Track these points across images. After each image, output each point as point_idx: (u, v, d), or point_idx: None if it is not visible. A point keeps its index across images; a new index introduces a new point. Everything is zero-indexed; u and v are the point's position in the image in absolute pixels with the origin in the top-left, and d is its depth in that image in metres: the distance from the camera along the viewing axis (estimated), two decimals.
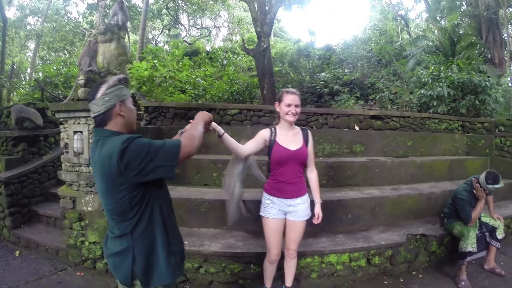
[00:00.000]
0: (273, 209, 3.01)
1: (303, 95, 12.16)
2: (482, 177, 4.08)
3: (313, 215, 3.12)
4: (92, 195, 4.28)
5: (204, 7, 24.17)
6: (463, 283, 3.88)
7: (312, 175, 3.19)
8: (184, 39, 25.74)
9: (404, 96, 9.80)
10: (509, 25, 18.19)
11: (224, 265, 3.76)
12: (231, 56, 18.23)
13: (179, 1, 23.01)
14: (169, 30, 27.71)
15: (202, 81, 11.99)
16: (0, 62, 14.66)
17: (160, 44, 26.06)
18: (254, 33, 12.96)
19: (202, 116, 2.06)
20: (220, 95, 11.29)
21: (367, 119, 7.25)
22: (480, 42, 14.72)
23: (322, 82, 12.43)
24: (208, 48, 25.23)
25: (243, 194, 2.92)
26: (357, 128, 7.09)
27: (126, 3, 8.60)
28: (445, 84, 8.61)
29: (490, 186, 3.98)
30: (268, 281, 3.31)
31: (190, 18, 32.11)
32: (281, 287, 3.41)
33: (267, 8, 10.44)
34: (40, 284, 3.97)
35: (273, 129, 3.02)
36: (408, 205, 5.10)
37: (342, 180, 5.55)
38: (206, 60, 17.10)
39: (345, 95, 11.36)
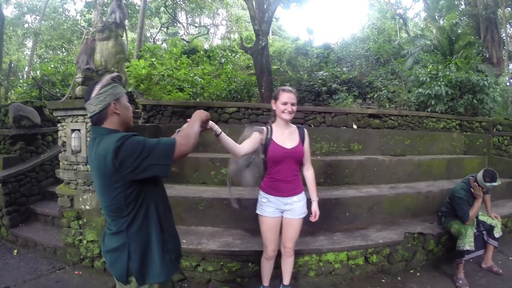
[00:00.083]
0: (269, 208, 3.01)
1: (301, 94, 12.16)
2: (480, 175, 4.09)
3: (310, 213, 3.12)
4: (90, 194, 4.27)
5: (202, 5, 24.17)
6: (460, 282, 3.88)
7: (309, 173, 3.19)
8: (182, 37, 25.70)
9: (402, 95, 9.81)
10: (508, 25, 18.25)
11: (222, 263, 3.76)
12: (229, 54, 18.19)
13: None
14: (167, 28, 27.64)
15: (200, 80, 11.98)
16: None
17: (158, 42, 26.00)
18: (252, 32, 12.92)
19: (199, 115, 2.07)
20: (218, 93, 11.27)
21: (365, 118, 7.25)
22: (479, 41, 14.75)
23: (320, 81, 12.43)
24: (206, 46, 25.19)
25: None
26: (355, 126, 7.09)
27: (124, 1, 8.58)
28: (443, 83, 8.62)
29: (488, 184, 3.99)
30: (266, 279, 3.32)
31: (188, 16, 32.08)
32: (279, 285, 3.40)
33: (265, 6, 10.41)
34: (38, 283, 3.96)
35: (269, 127, 3.02)
36: (406, 203, 5.11)
37: (340, 179, 5.56)
38: (204, 58, 17.06)
39: (343, 93, 11.36)
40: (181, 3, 24.42)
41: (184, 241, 3.84)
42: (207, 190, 4.74)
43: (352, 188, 5.34)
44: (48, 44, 22.71)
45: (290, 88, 2.97)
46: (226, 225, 4.37)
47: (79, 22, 23.09)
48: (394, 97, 10.41)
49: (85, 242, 4.26)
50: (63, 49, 23.11)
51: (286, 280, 3.30)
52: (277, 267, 3.38)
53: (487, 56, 14.60)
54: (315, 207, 3.12)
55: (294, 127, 3.10)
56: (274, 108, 3.00)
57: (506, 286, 3.94)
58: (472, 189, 4.15)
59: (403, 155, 6.62)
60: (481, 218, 4.33)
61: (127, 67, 9.65)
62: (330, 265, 3.95)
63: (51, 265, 4.41)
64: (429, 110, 8.66)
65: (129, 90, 8.76)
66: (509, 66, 15.93)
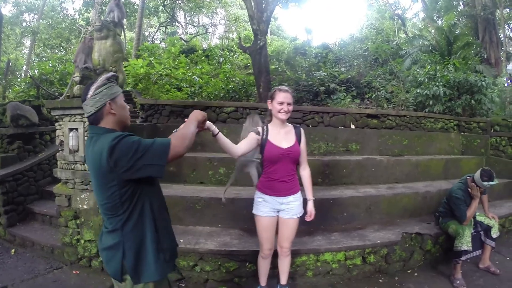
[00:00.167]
0: (265, 207, 3.01)
1: (299, 94, 12.17)
2: (477, 174, 4.09)
3: (305, 212, 3.12)
4: (88, 193, 4.26)
5: (201, 4, 24.14)
6: (458, 282, 3.89)
7: (305, 172, 3.18)
8: (180, 36, 25.69)
9: (400, 95, 9.82)
10: (506, 26, 18.28)
11: (219, 263, 3.76)
12: (228, 54, 18.18)
13: None
14: (166, 27, 27.60)
15: (198, 79, 11.96)
16: None
17: (157, 42, 25.98)
18: (251, 31, 12.91)
19: (196, 115, 2.07)
20: (216, 93, 11.26)
21: (363, 118, 7.26)
22: (477, 42, 14.75)
23: (319, 81, 12.43)
24: (204, 45, 25.16)
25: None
26: (353, 126, 7.09)
27: (122, 0, 8.59)
28: (441, 83, 8.63)
29: (485, 183, 4.00)
30: (263, 279, 3.32)
31: (186, 16, 32.10)
32: (276, 285, 3.40)
33: (264, 6, 10.42)
34: (36, 282, 3.95)
35: (265, 127, 3.02)
36: (404, 204, 5.11)
37: (337, 179, 5.56)
38: (203, 57, 17.05)
39: (341, 93, 11.36)
40: (180, 2, 24.40)
41: (182, 240, 3.84)
42: (205, 190, 4.74)
43: (350, 188, 5.35)
44: (46, 43, 22.67)
45: (286, 88, 2.96)
46: (223, 225, 4.38)
47: (77, 21, 23.08)
48: (392, 97, 10.42)
49: (82, 241, 4.26)
50: (61, 48, 23.08)
51: (283, 280, 3.30)
52: (275, 267, 3.38)
53: (485, 56, 14.61)
54: (310, 206, 3.12)
55: (290, 126, 3.10)
56: (270, 107, 3.01)
57: (503, 286, 3.94)
58: (469, 189, 4.15)
59: (401, 155, 6.63)
60: (478, 218, 4.34)
61: (125, 66, 9.64)
62: (327, 265, 3.96)
63: (48, 264, 4.40)
64: (427, 110, 8.67)
65: (127, 89, 8.75)
66: (507, 67, 15.95)
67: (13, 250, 4.86)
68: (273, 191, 2.98)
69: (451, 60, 10.42)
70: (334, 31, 73.55)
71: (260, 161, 3.11)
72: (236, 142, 2.89)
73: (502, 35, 17.03)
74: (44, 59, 21.79)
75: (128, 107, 2.05)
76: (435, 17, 19.94)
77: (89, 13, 21.16)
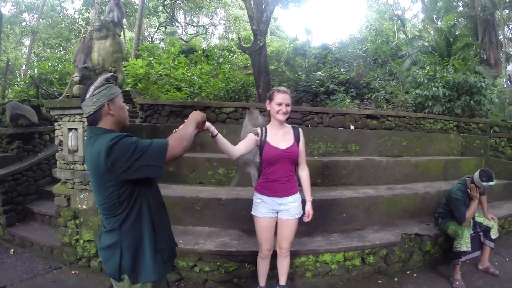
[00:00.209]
0: (264, 208, 3.01)
1: (299, 94, 12.16)
2: (476, 175, 4.09)
3: (304, 213, 3.12)
4: (87, 193, 4.26)
5: (201, 4, 24.14)
6: (457, 283, 3.89)
7: (304, 173, 3.18)
8: (180, 36, 25.69)
9: (399, 96, 9.81)
10: (505, 27, 18.30)
11: (218, 263, 3.76)
12: (227, 54, 18.20)
13: None
14: (165, 27, 27.60)
15: (197, 79, 11.98)
16: None
17: (156, 42, 25.98)
18: (251, 31, 12.91)
19: (195, 116, 2.09)
20: (215, 93, 11.25)
21: (363, 119, 7.26)
22: (476, 43, 14.76)
23: (318, 81, 12.41)
24: (204, 46, 25.16)
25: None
26: (352, 127, 7.09)
27: (122, 0, 8.59)
28: (440, 84, 8.63)
29: (484, 183, 4.00)
30: (262, 279, 3.31)
31: (186, 16, 32.09)
32: (275, 286, 3.40)
33: (263, 6, 10.40)
34: (35, 282, 3.95)
35: (263, 128, 3.02)
36: (403, 204, 5.12)
37: (337, 179, 5.56)
38: (202, 58, 17.07)
39: (341, 94, 11.34)
40: (180, 2, 24.40)
41: (181, 241, 3.84)
42: (204, 190, 4.73)
43: (349, 189, 5.35)
44: (45, 43, 22.67)
45: (285, 89, 2.96)
46: (223, 225, 4.37)
47: (77, 21, 23.09)
48: (391, 98, 10.41)
49: (81, 241, 4.26)
50: (61, 47, 23.06)
51: (283, 280, 3.30)
52: (274, 267, 3.39)
53: (485, 57, 14.61)
54: (308, 207, 3.11)
55: (289, 127, 3.10)
56: (268, 108, 3.00)
57: (502, 287, 3.95)
58: (469, 190, 4.16)
59: (400, 156, 6.63)
60: (477, 219, 4.35)
61: (124, 66, 9.64)
62: (326, 265, 3.95)
63: (47, 264, 4.40)
64: (426, 111, 8.67)
65: (127, 89, 8.76)
66: (506, 68, 15.96)
67: (12, 250, 4.86)
68: (271, 192, 2.98)
69: (451, 61, 10.43)
70: (334, 32, 73.76)
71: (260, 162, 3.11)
72: (235, 143, 2.90)
73: (501, 36, 17.04)
74: (43, 58, 21.80)
75: (127, 107, 2.06)
76: (434, 18, 19.97)
77: (88, 13, 21.17)
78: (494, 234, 4.26)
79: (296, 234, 3.18)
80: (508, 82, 14.17)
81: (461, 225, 4.06)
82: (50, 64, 12.66)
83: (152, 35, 28.66)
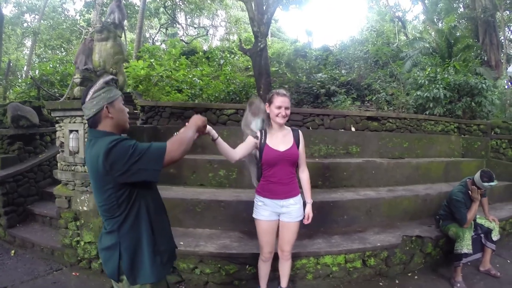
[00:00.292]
0: (265, 211, 3.00)
1: (300, 96, 12.17)
2: (477, 176, 4.09)
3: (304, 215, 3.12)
4: (88, 195, 4.26)
5: (202, 6, 24.18)
6: (458, 285, 3.88)
7: (304, 175, 3.18)
8: (181, 38, 25.74)
9: (400, 98, 9.82)
10: (506, 28, 18.29)
11: (219, 265, 3.75)
12: (228, 55, 18.22)
13: (177, 0, 22.97)
14: (166, 29, 27.64)
15: (198, 81, 11.99)
16: None
17: (157, 43, 26.01)
18: (251, 33, 12.93)
19: (195, 121, 2.09)
20: (216, 94, 11.27)
21: (364, 120, 7.26)
22: (477, 44, 14.78)
23: (319, 83, 12.43)
24: (205, 47, 25.19)
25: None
26: (353, 129, 7.09)
27: (123, 1, 8.57)
28: (441, 86, 8.64)
29: (485, 184, 3.99)
30: (263, 282, 3.31)
31: (187, 17, 32.13)
32: None
33: (264, 8, 10.42)
34: (36, 284, 3.94)
35: (263, 130, 3.02)
36: (404, 206, 5.11)
37: (338, 181, 5.55)
38: (203, 59, 17.09)
39: (342, 96, 11.36)
40: (181, 4, 24.43)
41: (182, 243, 3.83)
42: (204, 192, 4.73)
43: (350, 190, 5.33)
44: (47, 44, 22.71)
45: (284, 92, 2.96)
46: (223, 227, 4.37)
47: (78, 22, 23.12)
48: (392, 99, 10.42)
49: (82, 243, 4.25)
50: (62, 49, 23.10)
51: (284, 283, 3.30)
52: (275, 269, 3.38)
53: (486, 59, 14.61)
54: (308, 209, 3.11)
55: (288, 129, 3.09)
56: (268, 111, 3.00)
57: None
58: (470, 192, 4.15)
59: (401, 158, 6.62)
60: (479, 221, 4.34)
61: (125, 68, 9.65)
62: (327, 268, 3.95)
63: (48, 266, 4.39)
64: (427, 113, 8.67)
65: (128, 91, 8.78)
66: (507, 69, 15.95)
67: (13, 251, 4.86)
68: (272, 194, 2.97)
69: (452, 63, 10.44)
70: (335, 33, 73.77)
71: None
72: (236, 144, 2.92)
73: (502, 37, 17.03)
74: (45, 60, 21.81)
75: (128, 109, 2.08)
76: (435, 20, 20.00)
77: (90, 14, 21.18)
78: (495, 236, 4.26)
79: (297, 236, 3.17)
80: (509, 83, 14.14)
81: (462, 227, 4.05)
82: (51, 65, 12.66)
83: (153, 37, 28.71)
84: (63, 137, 4.39)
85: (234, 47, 20.09)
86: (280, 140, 2.99)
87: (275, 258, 3.25)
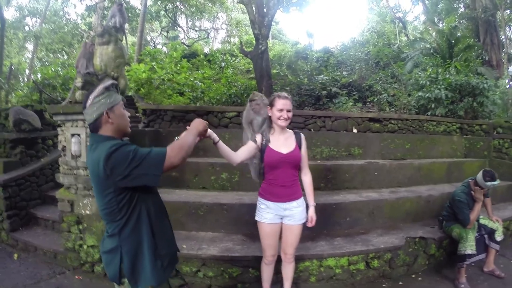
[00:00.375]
0: (268, 214, 2.99)
1: (301, 98, 12.17)
2: (479, 176, 4.08)
3: (307, 218, 3.11)
4: (90, 198, 4.26)
5: (203, 9, 24.18)
6: (462, 286, 3.87)
7: (306, 178, 3.17)
8: (182, 41, 25.74)
9: (402, 99, 9.80)
10: (507, 27, 18.27)
11: (222, 269, 3.75)
12: (229, 58, 18.23)
13: (178, 3, 23.01)
14: (168, 32, 27.71)
15: (200, 84, 11.99)
16: None
17: (159, 46, 26.08)
18: (252, 35, 12.95)
19: (196, 125, 2.10)
20: (218, 97, 11.28)
21: (365, 122, 7.25)
22: (478, 44, 14.76)
23: (320, 85, 12.43)
24: (206, 50, 25.22)
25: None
26: (355, 130, 7.08)
27: (124, 4, 8.59)
28: (443, 86, 8.63)
29: (488, 183, 3.98)
30: (266, 285, 3.30)
31: (188, 20, 32.14)
32: None
33: (265, 11, 10.44)
34: (38, 287, 3.95)
35: (263, 133, 3.02)
36: (407, 208, 5.10)
37: (340, 183, 5.55)
38: (204, 62, 17.10)
39: (343, 97, 11.36)
40: (181, 7, 24.45)
41: (185, 246, 3.83)
42: (207, 195, 4.73)
43: (353, 192, 5.33)
44: (48, 47, 22.75)
45: (285, 95, 2.96)
46: (226, 230, 4.36)
47: (80, 26, 23.15)
48: (394, 100, 10.40)
49: (85, 247, 4.25)
50: (64, 52, 23.16)
51: (287, 285, 3.29)
52: (278, 272, 3.37)
53: (487, 59, 14.59)
54: (311, 212, 3.10)
55: (290, 132, 3.09)
56: (269, 114, 3.00)
57: None
58: (472, 192, 4.14)
59: (403, 159, 6.61)
60: (482, 221, 4.32)
61: (127, 71, 9.66)
62: (331, 270, 3.94)
63: (51, 269, 4.39)
64: (429, 113, 8.66)
65: (129, 94, 8.78)
66: (508, 68, 15.92)
67: (15, 255, 4.86)
68: (275, 197, 2.97)
69: (453, 63, 10.43)
70: (335, 35, 73.67)
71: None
72: (238, 147, 2.92)
73: (503, 37, 17.05)
74: (46, 63, 21.85)
75: (129, 113, 2.08)
76: (436, 20, 20.00)
77: (91, 18, 21.23)
78: (499, 236, 4.24)
79: (300, 239, 3.17)
80: (511, 82, 14.12)
81: (466, 228, 4.04)
82: (53, 69, 12.67)
83: (154, 40, 28.78)
84: (65, 141, 4.39)
85: (235, 50, 20.09)
86: (282, 142, 2.99)
87: (278, 261, 3.24)
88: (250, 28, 12.91)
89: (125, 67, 7.34)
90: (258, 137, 2.99)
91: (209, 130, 2.31)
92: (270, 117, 3.01)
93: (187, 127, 2.10)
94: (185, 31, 30.32)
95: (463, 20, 17.44)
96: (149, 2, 21.39)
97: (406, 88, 10.83)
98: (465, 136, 7.96)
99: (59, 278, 4.17)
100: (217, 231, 4.37)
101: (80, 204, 4.30)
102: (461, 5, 19.51)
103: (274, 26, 27.96)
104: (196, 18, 29.75)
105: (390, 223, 4.91)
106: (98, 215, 4.13)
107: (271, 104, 2.95)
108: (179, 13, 26.40)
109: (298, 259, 3.70)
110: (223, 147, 2.67)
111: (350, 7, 75.37)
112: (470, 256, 3.92)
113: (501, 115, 9.93)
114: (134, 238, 1.90)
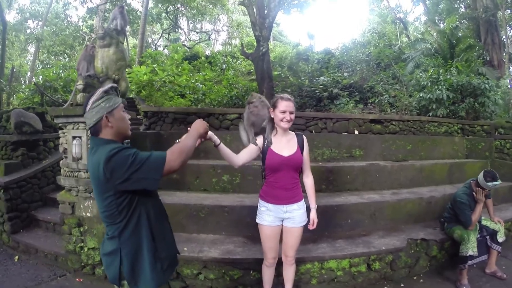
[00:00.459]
0: (269, 216, 2.98)
1: (302, 99, 12.17)
2: (481, 176, 4.07)
3: (308, 220, 3.10)
4: (91, 201, 4.26)
5: (204, 11, 24.25)
6: None
7: (308, 180, 3.16)
8: (183, 43, 25.82)
9: (403, 100, 9.80)
10: (508, 27, 18.25)
11: (223, 271, 3.74)
12: (231, 60, 18.28)
13: (179, 5, 23.07)
14: (169, 34, 27.79)
15: (201, 86, 12.02)
16: (0, 65, 14.69)
17: (160, 48, 26.16)
18: (253, 37, 12.96)
19: (197, 128, 2.10)
20: (219, 99, 11.30)
21: (367, 123, 7.23)
22: (479, 44, 14.75)
23: (321, 86, 12.43)
24: (207, 52, 25.30)
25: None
26: (356, 132, 7.07)
27: (125, 7, 8.61)
28: (444, 87, 8.61)
29: (489, 183, 3.97)
30: (267, 287, 3.29)
31: (189, 22, 32.25)
32: None
33: (266, 12, 10.46)
34: None
35: (264, 134, 3.02)
36: (408, 209, 5.08)
37: (341, 185, 5.53)
38: (206, 64, 17.15)
39: (344, 99, 11.36)
40: (183, 9, 24.52)
41: (185, 248, 3.82)
42: (208, 197, 4.73)
43: (354, 194, 5.31)
44: (50, 50, 22.85)
45: (288, 96, 2.94)
46: (227, 233, 4.36)
47: (81, 28, 23.25)
48: (395, 101, 10.40)
49: (86, 249, 4.25)
50: (65, 55, 23.25)
51: None
52: (279, 274, 3.37)
53: (488, 59, 14.58)
54: (313, 214, 3.10)
55: (292, 134, 3.08)
56: (272, 116, 2.99)
57: None
58: (474, 193, 4.13)
59: (404, 160, 6.59)
60: (484, 223, 4.31)
61: (128, 73, 9.68)
62: (332, 272, 3.92)
63: (52, 272, 4.40)
64: (430, 114, 8.64)
65: (131, 96, 8.80)
66: (510, 68, 15.92)
67: (16, 257, 4.87)
68: (276, 199, 2.95)
69: (454, 63, 10.42)
70: (336, 36, 73.90)
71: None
72: (239, 149, 2.92)
73: (504, 37, 17.02)
74: (48, 66, 21.95)
75: (129, 116, 2.09)
76: (437, 20, 20.01)
77: (92, 20, 21.32)
78: (501, 238, 4.23)
79: (301, 241, 3.16)
80: None
81: (467, 229, 4.02)
82: (54, 71, 12.71)
83: (155, 42, 28.85)
84: (66, 143, 4.40)
85: (236, 52, 20.16)
86: (284, 145, 2.98)
87: (279, 263, 3.23)
88: (251, 30, 12.92)
89: (126, 70, 7.34)
90: (260, 139, 2.99)
91: (210, 132, 2.31)
92: (272, 118, 3.00)
93: (188, 129, 2.10)
94: (186, 33, 30.41)
95: (464, 20, 17.45)
96: (150, 5, 21.49)
97: (407, 89, 10.84)
98: (466, 137, 7.94)
99: (60, 280, 4.16)
100: (218, 233, 4.36)
101: (81, 206, 4.30)
102: (462, 5, 19.52)
103: (275, 27, 28.01)
104: (197, 20, 29.85)
105: (392, 225, 4.90)
106: (99, 217, 4.12)
107: (274, 106, 2.94)
108: (180, 15, 26.50)
109: (299, 261, 3.69)
110: (224, 149, 2.67)
111: (351, 8, 75.43)
112: (472, 257, 3.90)
113: (503, 115, 9.92)
114: (134, 241, 1.91)
